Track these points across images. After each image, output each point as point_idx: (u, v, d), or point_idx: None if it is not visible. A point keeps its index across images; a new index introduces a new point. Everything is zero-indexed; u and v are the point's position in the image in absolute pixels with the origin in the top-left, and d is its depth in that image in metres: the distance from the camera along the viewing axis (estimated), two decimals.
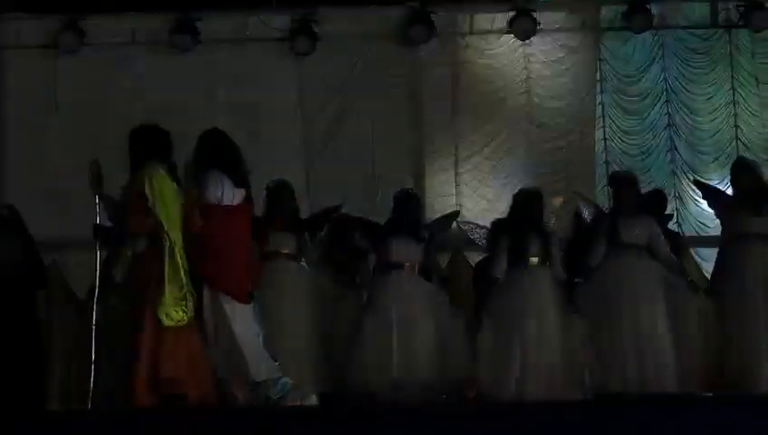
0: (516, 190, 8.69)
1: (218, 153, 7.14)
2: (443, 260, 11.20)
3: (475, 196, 11.84)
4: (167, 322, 6.65)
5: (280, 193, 8.46)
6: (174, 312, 6.68)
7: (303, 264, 8.47)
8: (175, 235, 6.71)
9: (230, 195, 7.06)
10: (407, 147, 12.02)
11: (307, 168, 11.83)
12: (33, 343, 7.73)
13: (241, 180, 7.14)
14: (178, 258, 6.73)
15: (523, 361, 7.95)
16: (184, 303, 6.74)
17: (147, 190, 6.66)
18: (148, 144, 6.90)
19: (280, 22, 12.07)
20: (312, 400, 8.01)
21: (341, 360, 8.16)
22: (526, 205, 8.35)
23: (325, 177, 11.80)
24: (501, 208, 11.34)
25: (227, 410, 7.25)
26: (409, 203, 8.52)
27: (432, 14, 11.90)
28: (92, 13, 11.95)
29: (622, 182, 8.63)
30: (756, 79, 12.15)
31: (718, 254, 8.52)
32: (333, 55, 12.07)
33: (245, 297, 7.05)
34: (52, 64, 11.89)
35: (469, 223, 9.78)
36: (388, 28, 12.11)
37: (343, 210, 10.23)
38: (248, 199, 7.22)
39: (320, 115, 12.00)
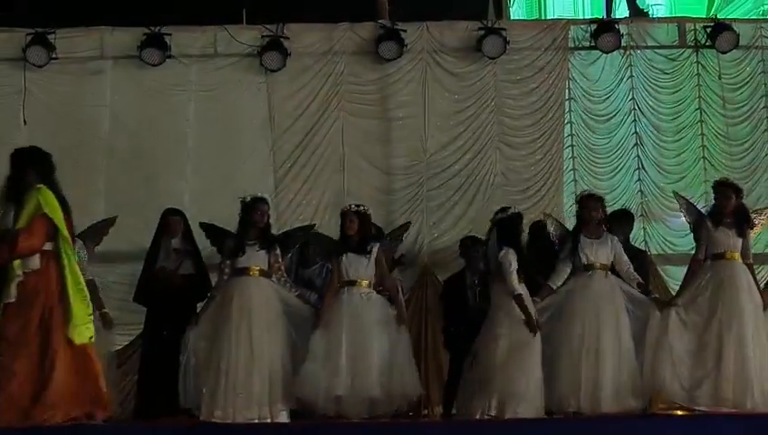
0: (500, 208, 8.88)
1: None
2: (413, 276, 11.30)
3: (442, 213, 11.85)
4: (79, 340, 6.61)
5: (253, 209, 8.46)
6: (85, 329, 6.65)
7: (275, 280, 8.47)
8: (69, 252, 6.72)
9: None
10: (376, 163, 12.01)
11: (276, 183, 11.81)
12: None
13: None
14: (78, 274, 6.72)
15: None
16: (91, 319, 6.74)
17: (46, 209, 6.65)
18: (35, 166, 6.88)
19: (250, 37, 12.05)
20: (284, 417, 8.02)
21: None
22: (520, 225, 8.54)
23: (295, 192, 11.79)
24: (468, 226, 11.44)
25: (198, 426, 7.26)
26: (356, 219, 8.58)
27: (402, 32, 11.94)
28: (61, 26, 11.90)
29: (587, 202, 8.73)
30: (723, 99, 12.24)
31: (692, 269, 8.62)
32: (303, 71, 12.08)
33: None
34: (20, 78, 11.80)
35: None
36: (359, 45, 12.13)
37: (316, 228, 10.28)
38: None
39: (289, 130, 11.97)
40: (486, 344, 8.31)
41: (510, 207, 8.77)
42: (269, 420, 7.98)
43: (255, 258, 8.34)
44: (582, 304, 8.36)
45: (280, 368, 8.13)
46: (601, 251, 8.52)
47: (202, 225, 9.49)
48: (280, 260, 8.50)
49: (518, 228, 8.56)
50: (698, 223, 8.75)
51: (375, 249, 8.45)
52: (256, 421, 7.92)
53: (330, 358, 8.12)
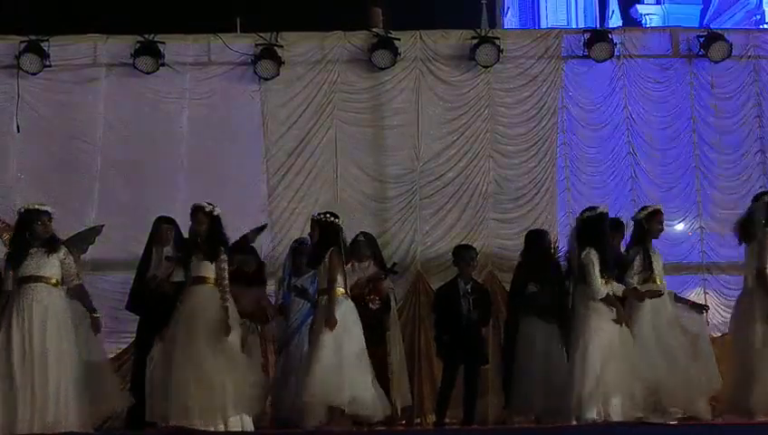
0: (588, 207, 8.83)
1: None
2: (406, 284, 11.30)
3: (435, 221, 11.86)
4: None
5: (192, 219, 8.34)
6: None
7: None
8: None
9: None
10: (369, 171, 12.02)
11: (270, 191, 11.80)
12: None
13: None
14: None
15: None
16: None
17: None
18: None
19: (244, 45, 12.05)
20: (248, 424, 7.94)
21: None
22: (605, 224, 8.53)
23: (288, 200, 11.79)
24: (461, 233, 11.45)
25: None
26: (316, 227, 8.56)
27: (396, 40, 11.95)
28: (55, 34, 11.90)
29: (660, 216, 8.84)
30: (715, 108, 12.28)
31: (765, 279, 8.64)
32: (297, 80, 12.08)
33: None
34: (13, 85, 11.79)
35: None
36: (352, 53, 12.14)
37: (301, 235, 10.25)
38: None
39: (283, 139, 11.98)
40: (586, 344, 8.12)
41: (597, 207, 8.61)
42: (238, 428, 7.86)
43: (202, 268, 8.19)
44: (655, 315, 8.47)
45: (237, 374, 7.96)
46: (659, 263, 8.68)
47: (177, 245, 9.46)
48: (224, 267, 8.26)
49: (603, 228, 8.42)
50: (764, 234, 8.77)
51: (326, 257, 8.32)
52: (222, 429, 7.79)
53: (302, 372, 8.17)
